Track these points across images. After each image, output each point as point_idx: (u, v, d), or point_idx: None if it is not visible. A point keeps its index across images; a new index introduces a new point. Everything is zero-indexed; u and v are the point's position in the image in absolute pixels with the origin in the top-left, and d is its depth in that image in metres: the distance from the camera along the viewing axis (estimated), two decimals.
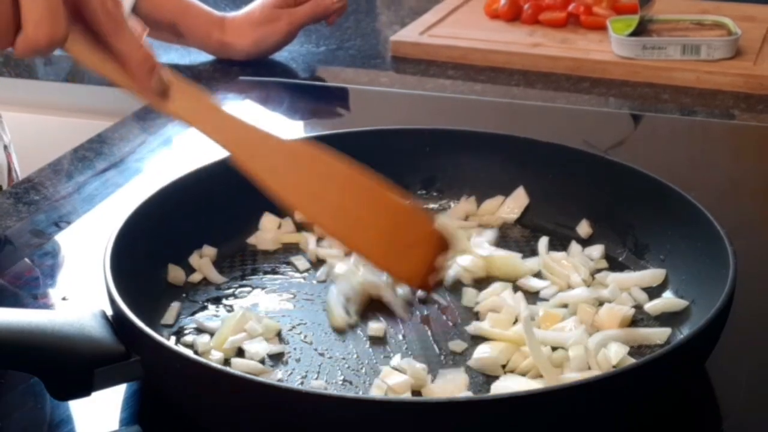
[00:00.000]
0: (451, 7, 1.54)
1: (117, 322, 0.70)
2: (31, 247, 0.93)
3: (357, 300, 0.81)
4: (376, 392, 0.71)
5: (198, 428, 0.69)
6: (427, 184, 0.96)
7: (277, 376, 0.73)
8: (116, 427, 0.70)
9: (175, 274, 0.84)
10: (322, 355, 0.76)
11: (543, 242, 0.88)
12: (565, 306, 0.80)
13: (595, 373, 0.72)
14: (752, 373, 0.75)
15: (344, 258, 0.85)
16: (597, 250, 0.87)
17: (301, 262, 0.88)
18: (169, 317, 0.80)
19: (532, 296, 0.82)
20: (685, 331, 0.76)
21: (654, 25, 1.37)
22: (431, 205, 0.95)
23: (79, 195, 1.03)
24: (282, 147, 0.72)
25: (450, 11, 1.52)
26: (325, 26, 1.46)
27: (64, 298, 0.86)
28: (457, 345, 0.76)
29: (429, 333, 0.78)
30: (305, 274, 0.86)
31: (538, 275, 0.85)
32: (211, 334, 0.77)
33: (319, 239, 0.89)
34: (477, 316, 0.80)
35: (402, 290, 0.82)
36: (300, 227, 0.91)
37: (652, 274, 0.83)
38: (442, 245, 0.74)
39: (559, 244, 0.89)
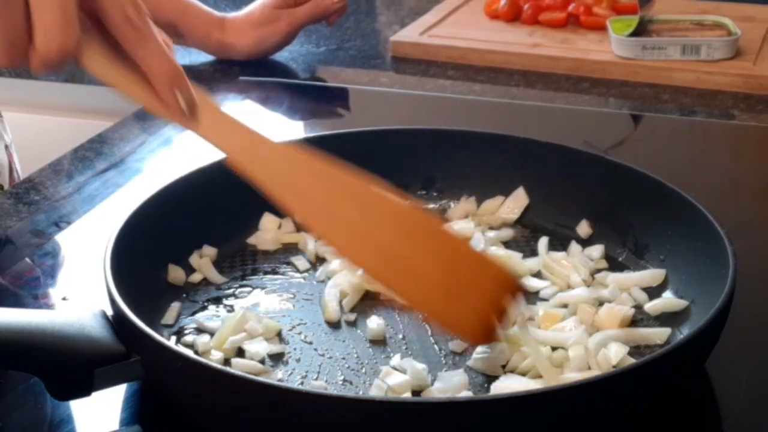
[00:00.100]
0: (451, 7, 1.54)
1: (117, 322, 0.70)
2: (31, 247, 0.93)
3: (353, 294, 0.81)
4: (376, 392, 0.71)
5: (198, 428, 0.69)
6: (427, 184, 0.96)
7: (277, 376, 0.73)
8: (116, 427, 0.70)
9: (176, 274, 0.84)
10: (322, 355, 0.76)
11: (543, 242, 0.88)
12: (565, 306, 0.80)
13: (595, 373, 0.72)
14: (752, 373, 0.75)
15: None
16: (597, 250, 0.87)
17: (301, 262, 0.88)
18: (169, 317, 0.80)
19: (532, 296, 0.82)
20: (685, 331, 0.76)
21: (654, 25, 1.37)
22: (431, 205, 0.95)
23: (80, 195, 1.03)
24: (330, 183, 0.65)
25: (450, 11, 1.52)
26: (325, 26, 1.46)
27: (64, 298, 0.86)
28: (457, 345, 0.76)
29: (429, 333, 0.78)
30: (305, 274, 0.86)
31: (537, 275, 0.85)
32: (212, 334, 0.77)
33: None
34: None
35: None
36: (300, 227, 0.91)
37: (652, 274, 0.83)
38: (506, 284, 0.64)
39: (559, 244, 0.89)
